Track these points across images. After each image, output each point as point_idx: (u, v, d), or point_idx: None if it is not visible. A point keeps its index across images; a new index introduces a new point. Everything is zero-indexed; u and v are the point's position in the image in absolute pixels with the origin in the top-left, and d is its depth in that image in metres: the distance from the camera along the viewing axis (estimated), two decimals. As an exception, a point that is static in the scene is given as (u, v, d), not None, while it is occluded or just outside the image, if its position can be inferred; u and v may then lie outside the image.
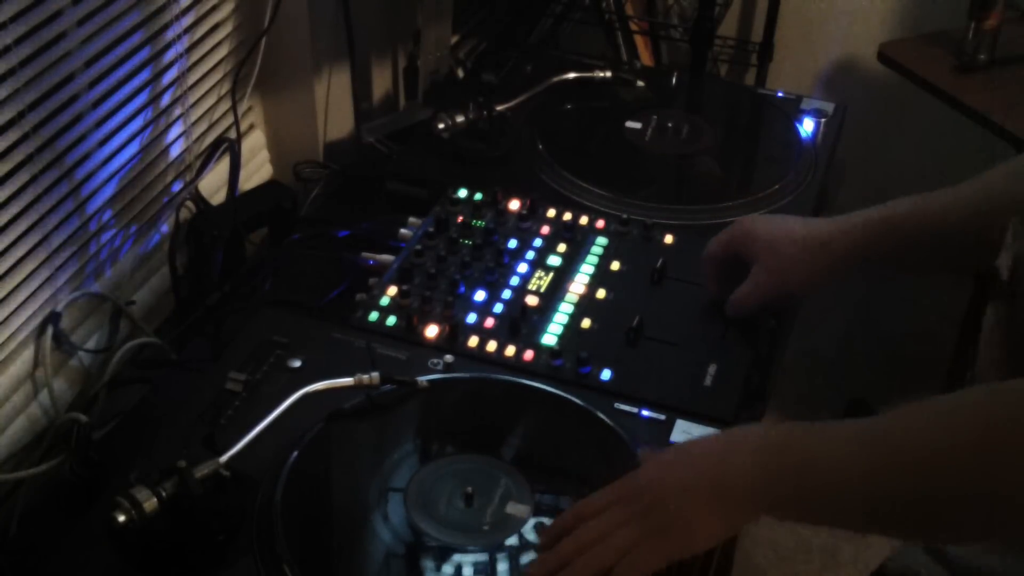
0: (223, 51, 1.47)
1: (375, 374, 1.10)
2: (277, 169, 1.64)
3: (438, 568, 0.98)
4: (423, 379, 1.13)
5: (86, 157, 1.24)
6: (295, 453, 1.04)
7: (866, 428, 0.89)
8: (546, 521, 1.00)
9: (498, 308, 1.26)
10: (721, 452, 0.94)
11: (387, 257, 1.35)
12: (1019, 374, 0.92)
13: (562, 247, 1.35)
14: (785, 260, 1.19)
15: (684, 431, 1.10)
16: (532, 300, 1.27)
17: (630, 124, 1.60)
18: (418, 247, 1.34)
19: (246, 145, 1.52)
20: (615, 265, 1.32)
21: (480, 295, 1.27)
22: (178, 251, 1.37)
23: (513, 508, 1.00)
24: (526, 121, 1.59)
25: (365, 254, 1.36)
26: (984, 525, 0.84)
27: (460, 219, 1.38)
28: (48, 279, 1.21)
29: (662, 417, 1.11)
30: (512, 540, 0.99)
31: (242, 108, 1.51)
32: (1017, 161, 1.10)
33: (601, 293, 1.28)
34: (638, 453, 1.01)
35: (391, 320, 1.24)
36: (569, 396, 1.13)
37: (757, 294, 1.20)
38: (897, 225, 1.14)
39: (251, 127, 1.59)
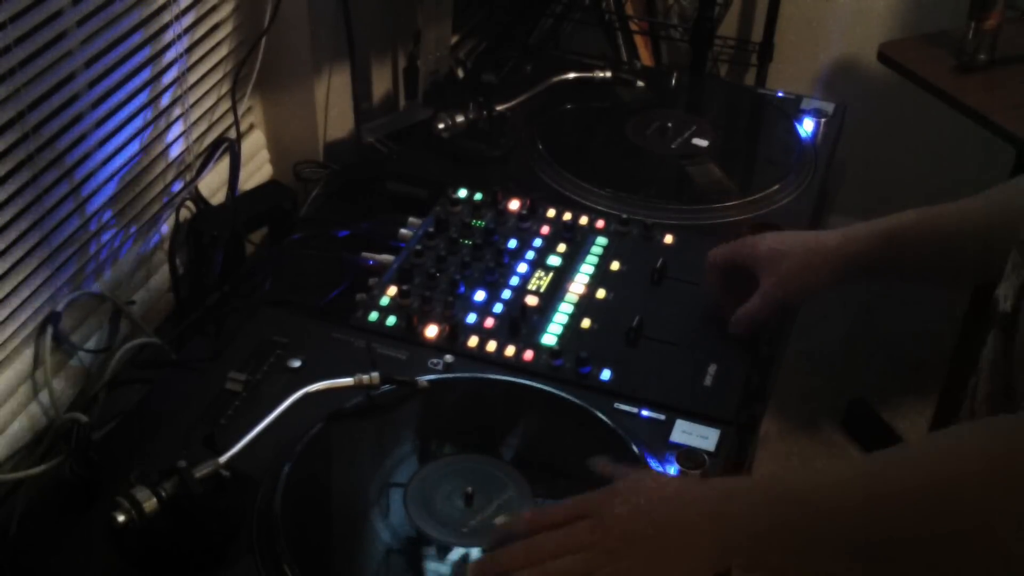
0: (223, 51, 1.47)
1: (375, 374, 1.10)
2: (277, 169, 1.64)
3: (438, 568, 0.98)
4: (423, 379, 1.13)
5: (86, 157, 1.24)
6: (295, 453, 1.04)
7: (861, 463, 0.87)
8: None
9: (498, 308, 1.26)
10: (714, 497, 0.89)
11: (387, 257, 1.35)
12: (1009, 409, 0.92)
13: (562, 247, 1.35)
14: (791, 270, 1.19)
15: (684, 431, 1.10)
16: (532, 300, 1.27)
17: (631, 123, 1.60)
18: (418, 247, 1.34)
19: (246, 145, 1.52)
20: (615, 265, 1.32)
21: (480, 295, 1.27)
22: (178, 251, 1.37)
23: (504, 520, 0.99)
24: (526, 121, 1.59)
25: (365, 254, 1.36)
26: (978, 568, 0.80)
27: (460, 219, 1.38)
28: (48, 279, 1.21)
29: (662, 417, 1.11)
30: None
31: (242, 108, 1.51)
32: (1022, 178, 1.10)
33: (601, 293, 1.28)
34: (596, 463, 0.96)
35: (391, 320, 1.24)
36: (569, 396, 1.13)
37: (765, 307, 1.20)
38: (899, 236, 1.14)
39: (251, 127, 1.59)
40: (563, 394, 1.13)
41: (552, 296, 1.28)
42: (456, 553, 0.98)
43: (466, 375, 1.17)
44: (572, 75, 1.69)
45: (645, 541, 0.87)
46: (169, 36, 1.34)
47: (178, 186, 1.43)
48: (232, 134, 1.46)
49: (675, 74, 1.87)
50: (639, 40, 2.36)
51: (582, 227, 1.38)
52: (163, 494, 0.94)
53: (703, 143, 1.59)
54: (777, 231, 1.26)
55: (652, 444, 1.08)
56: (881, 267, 1.16)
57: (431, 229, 1.37)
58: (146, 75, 1.32)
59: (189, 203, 1.40)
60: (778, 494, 0.88)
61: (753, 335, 1.22)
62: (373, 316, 1.24)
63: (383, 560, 1.00)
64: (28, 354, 1.20)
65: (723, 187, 1.50)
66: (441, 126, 1.53)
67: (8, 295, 1.16)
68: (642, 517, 0.89)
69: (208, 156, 1.45)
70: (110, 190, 1.29)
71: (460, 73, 1.74)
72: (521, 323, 1.23)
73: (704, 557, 0.87)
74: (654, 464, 1.06)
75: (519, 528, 0.92)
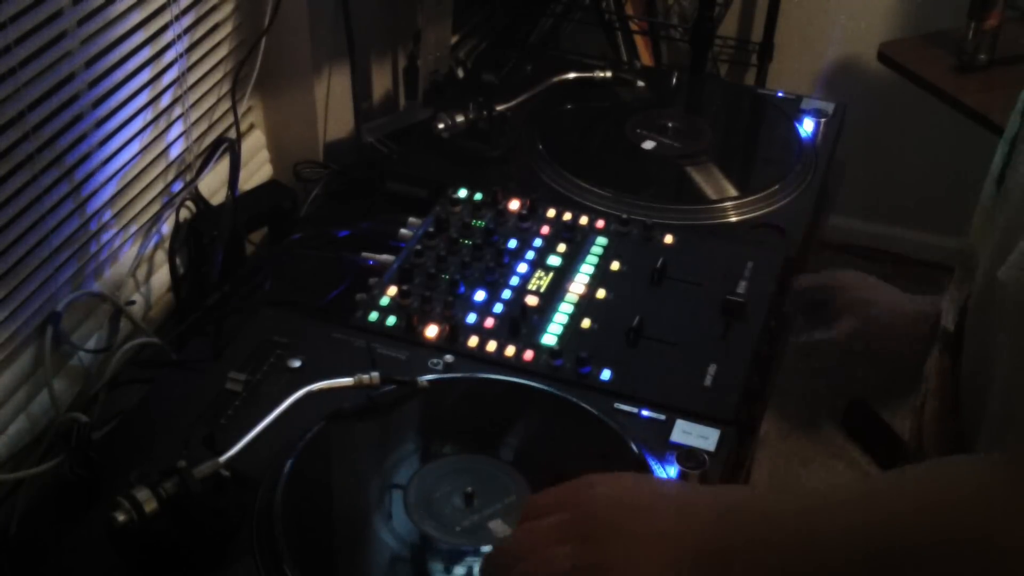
0: (223, 51, 1.47)
1: (375, 374, 1.10)
2: (277, 169, 1.64)
3: (437, 568, 0.98)
4: (423, 379, 1.13)
5: (86, 157, 1.24)
6: (295, 453, 1.04)
7: (867, 489, 0.85)
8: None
9: (498, 308, 1.26)
10: (701, 516, 0.86)
11: (387, 257, 1.35)
12: (955, 427, 0.92)
13: (562, 247, 1.35)
14: (881, 332, 1.22)
15: (684, 431, 1.10)
16: (532, 300, 1.27)
17: (646, 145, 1.59)
18: (418, 247, 1.34)
19: (246, 145, 1.52)
20: (615, 265, 1.32)
21: (480, 295, 1.27)
22: (178, 251, 1.37)
23: (496, 526, 0.99)
24: (526, 121, 1.59)
25: (365, 254, 1.36)
26: None
27: (460, 219, 1.38)
28: (48, 279, 1.21)
29: (662, 417, 1.11)
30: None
31: (242, 108, 1.51)
32: None
33: (601, 293, 1.28)
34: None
35: (391, 320, 1.24)
36: (569, 396, 1.13)
37: (837, 344, 1.24)
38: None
39: (251, 127, 1.59)
40: (563, 394, 1.13)
41: (552, 296, 1.28)
42: (456, 553, 0.98)
43: (466, 375, 1.17)
44: (572, 75, 1.69)
45: (619, 537, 0.85)
46: (169, 36, 1.34)
47: (178, 186, 1.43)
48: (232, 134, 1.46)
49: (675, 74, 1.87)
50: (639, 40, 2.36)
51: (582, 227, 1.38)
52: (163, 494, 0.94)
53: (703, 143, 1.59)
54: (863, 279, 1.26)
55: (652, 444, 1.08)
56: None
57: (431, 229, 1.37)
58: (146, 75, 1.32)
59: (189, 203, 1.40)
60: (754, 520, 0.85)
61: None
62: (373, 316, 1.24)
63: (383, 560, 1.00)
64: (28, 354, 1.20)
65: (721, 189, 1.50)
66: (441, 126, 1.53)
67: (8, 295, 1.16)
68: (613, 516, 0.87)
69: (208, 156, 1.45)
70: (110, 190, 1.29)
71: (460, 73, 1.74)
72: (521, 323, 1.23)
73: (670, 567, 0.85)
74: (654, 464, 1.06)
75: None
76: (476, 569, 0.97)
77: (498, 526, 0.99)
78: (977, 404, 0.89)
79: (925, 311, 1.19)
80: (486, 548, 0.98)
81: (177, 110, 1.40)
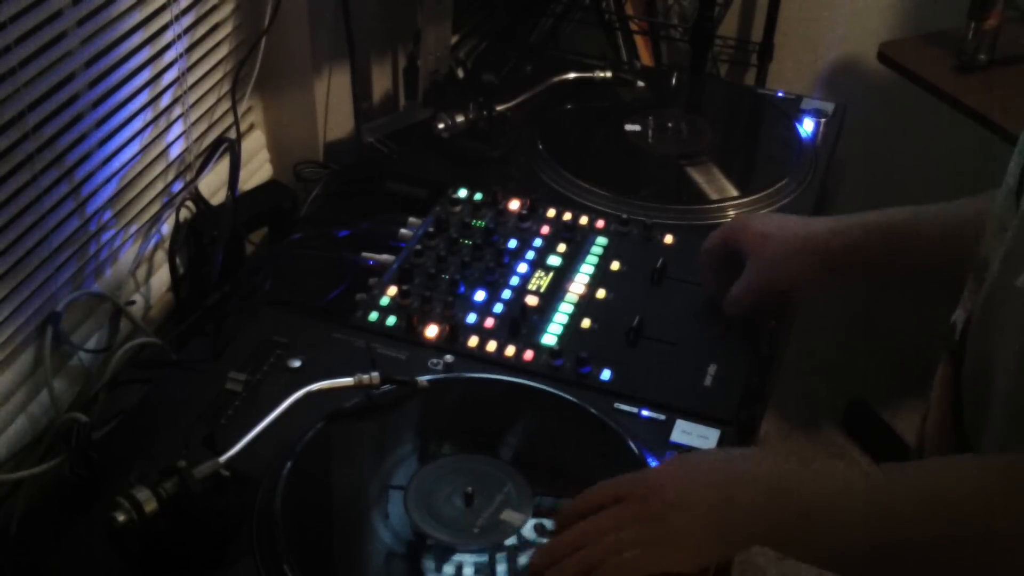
0: (223, 51, 1.47)
1: (375, 374, 1.10)
2: (277, 169, 1.64)
3: (438, 568, 0.98)
4: (423, 379, 1.13)
5: (86, 157, 1.24)
6: (295, 453, 1.04)
7: (871, 483, 0.89)
8: (545, 522, 0.99)
9: (498, 308, 1.26)
10: (729, 480, 0.93)
11: (387, 257, 1.35)
12: (957, 433, 0.93)
13: (562, 247, 1.35)
14: (777, 257, 1.18)
15: (684, 431, 1.10)
16: (532, 300, 1.27)
17: (629, 127, 1.60)
18: (418, 247, 1.34)
19: (246, 145, 1.52)
20: (615, 265, 1.32)
21: (480, 295, 1.27)
22: (178, 251, 1.37)
23: (508, 515, 1.00)
24: (526, 121, 1.59)
25: (365, 254, 1.36)
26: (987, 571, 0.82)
27: (460, 219, 1.38)
28: (48, 279, 1.21)
29: (662, 417, 1.11)
30: (511, 540, 0.99)
31: (242, 108, 1.51)
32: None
33: (601, 293, 1.28)
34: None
35: (391, 320, 1.24)
36: (569, 396, 1.13)
37: (750, 292, 1.20)
38: (894, 231, 1.13)
39: (251, 127, 1.59)
40: (563, 394, 1.13)
41: (552, 296, 1.28)
42: (456, 554, 0.98)
43: (466, 375, 1.17)
44: (572, 75, 1.69)
45: (667, 516, 0.91)
46: (169, 36, 1.34)
47: (178, 186, 1.43)
48: (232, 134, 1.46)
49: (675, 74, 1.87)
50: (639, 40, 2.35)
51: (582, 227, 1.38)
52: (163, 494, 0.94)
53: (703, 143, 1.59)
54: (768, 213, 1.25)
55: (652, 444, 1.08)
56: (873, 262, 1.15)
57: (431, 229, 1.37)
58: (146, 75, 1.32)
59: (189, 203, 1.40)
60: (780, 503, 0.91)
61: (747, 319, 1.23)
62: (373, 316, 1.24)
63: (383, 560, 1.00)
64: (28, 354, 1.20)
65: (722, 189, 1.50)
66: (441, 126, 1.53)
67: (8, 295, 1.16)
68: (665, 493, 0.93)
69: (208, 156, 1.45)
70: (110, 190, 1.29)
71: (460, 73, 1.74)
72: (521, 323, 1.23)
73: (705, 550, 0.92)
74: (654, 464, 1.06)
75: (568, 515, 0.96)
76: (472, 570, 0.97)
77: (512, 516, 1.00)
78: (978, 409, 0.89)
79: (811, 234, 1.17)
80: (486, 550, 0.98)
81: (177, 110, 1.40)
